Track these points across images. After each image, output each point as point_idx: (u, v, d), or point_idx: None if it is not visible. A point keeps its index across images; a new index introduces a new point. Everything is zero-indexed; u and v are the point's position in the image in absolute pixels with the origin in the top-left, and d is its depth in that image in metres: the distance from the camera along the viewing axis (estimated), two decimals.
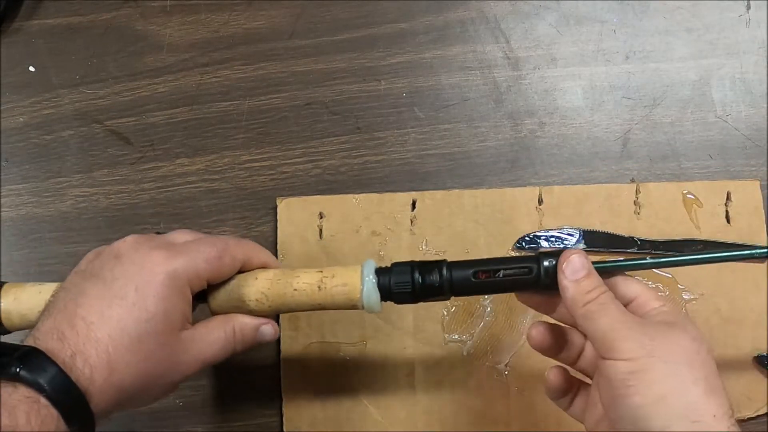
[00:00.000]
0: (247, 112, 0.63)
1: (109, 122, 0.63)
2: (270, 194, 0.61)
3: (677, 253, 0.46)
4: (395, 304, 0.46)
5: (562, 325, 0.46)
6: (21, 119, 0.63)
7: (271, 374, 0.57)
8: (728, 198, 0.60)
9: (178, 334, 0.42)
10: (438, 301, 0.46)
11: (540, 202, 0.60)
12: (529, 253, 0.44)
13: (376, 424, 0.56)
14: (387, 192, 0.60)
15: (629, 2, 0.65)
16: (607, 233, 0.59)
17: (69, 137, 0.63)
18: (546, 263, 0.43)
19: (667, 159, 0.62)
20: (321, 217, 0.60)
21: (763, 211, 0.60)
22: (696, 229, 0.59)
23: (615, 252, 0.59)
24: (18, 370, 0.37)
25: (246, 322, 0.45)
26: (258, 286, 0.45)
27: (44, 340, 0.39)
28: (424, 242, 0.59)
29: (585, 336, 0.44)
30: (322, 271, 0.45)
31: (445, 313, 0.58)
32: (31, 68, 0.64)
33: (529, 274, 0.44)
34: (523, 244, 0.59)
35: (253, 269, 0.46)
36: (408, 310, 0.57)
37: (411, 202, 0.60)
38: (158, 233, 0.46)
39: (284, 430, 0.56)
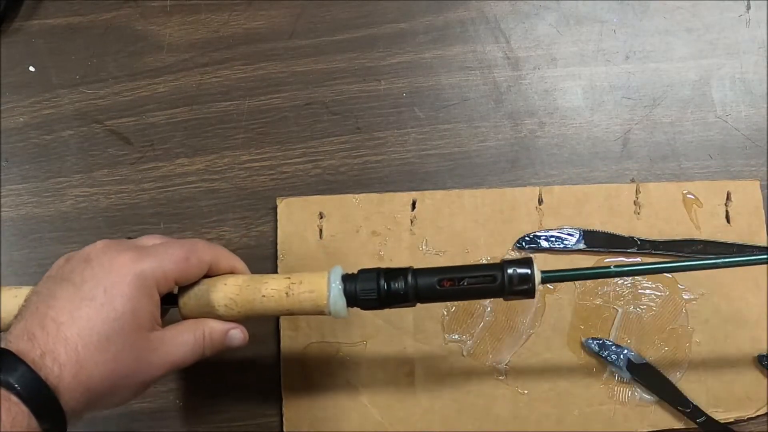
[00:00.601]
0: (247, 112, 0.63)
1: (109, 122, 0.63)
2: (270, 194, 0.61)
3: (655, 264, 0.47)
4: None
5: None
6: (21, 119, 0.63)
7: (271, 374, 0.57)
8: (728, 198, 0.60)
9: (146, 334, 0.43)
10: (404, 307, 0.46)
11: (540, 202, 0.60)
12: (495, 262, 0.45)
13: (376, 424, 0.56)
14: (387, 192, 0.60)
15: (629, 2, 0.65)
16: (607, 233, 0.59)
17: (69, 137, 0.63)
18: (510, 271, 0.44)
19: (667, 159, 0.62)
20: (321, 217, 0.60)
21: (763, 211, 0.60)
22: (696, 229, 0.59)
23: (615, 252, 0.59)
24: None
25: (215, 326, 0.46)
26: (227, 292, 0.46)
27: (15, 342, 0.40)
28: (424, 242, 0.59)
29: None
30: (290, 278, 0.46)
31: (445, 313, 0.58)
32: (31, 68, 0.64)
33: (493, 282, 0.45)
34: (523, 244, 0.59)
35: (221, 273, 0.47)
36: (408, 310, 0.57)
37: (411, 202, 0.60)
38: (128, 239, 0.48)
39: (284, 430, 0.56)
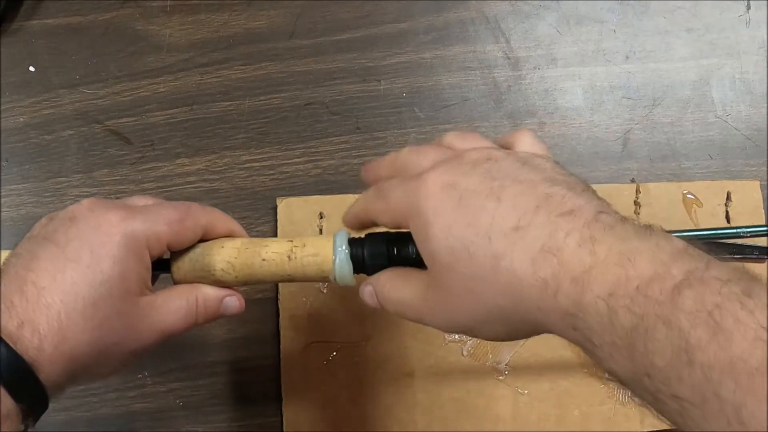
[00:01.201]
0: (247, 112, 0.63)
1: (109, 122, 0.63)
2: (270, 194, 0.61)
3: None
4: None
5: None
6: (21, 119, 0.63)
7: (271, 374, 0.57)
8: (728, 198, 0.60)
9: (135, 299, 0.40)
10: None
11: None
12: None
13: (376, 425, 0.56)
14: None
15: (629, 2, 0.65)
16: None
17: (69, 137, 0.63)
18: None
19: (667, 159, 0.62)
20: (321, 217, 0.60)
21: (763, 211, 0.60)
22: None
23: None
24: None
25: (209, 293, 0.43)
26: (224, 255, 0.43)
27: None
28: None
29: None
30: (292, 241, 0.43)
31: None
32: (31, 68, 0.64)
33: None
34: None
35: (218, 237, 0.44)
36: None
37: None
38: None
39: (284, 430, 0.56)
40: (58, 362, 0.37)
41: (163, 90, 0.63)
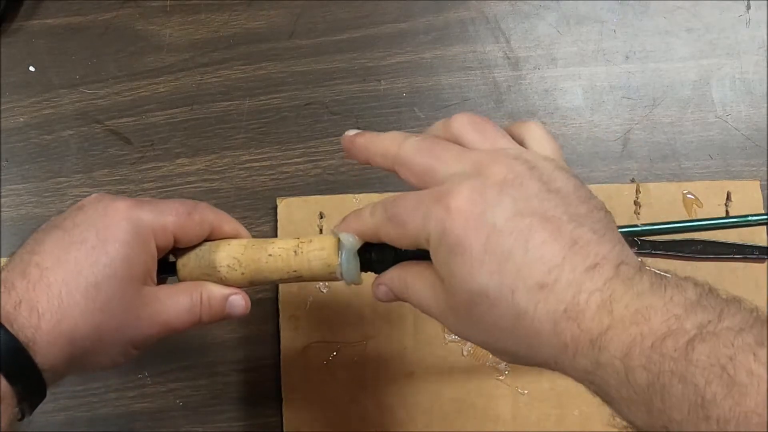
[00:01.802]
0: (247, 112, 0.63)
1: (109, 122, 0.63)
2: (270, 194, 0.61)
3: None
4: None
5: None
6: (21, 119, 0.63)
7: (271, 374, 0.57)
8: (728, 198, 0.60)
9: (139, 286, 0.39)
10: None
11: None
12: None
13: (376, 425, 0.56)
14: (387, 192, 0.60)
15: (629, 2, 0.65)
16: None
17: (69, 137, 0.63)
18: None
19: (667, 159, 0.62)
20: (321, 217, 0.60)
21: (763, 211, 0.60)
22: None
23: None
24: None
25: (215, 290, 0.42)
26: (231, 251, 0.43)
27: None
28: None
29: None
30: (299, 238, 0.43)
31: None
32: (31, 68, 0.64)
33: None
34: None
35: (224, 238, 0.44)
36: (408, 309, 0.57)
37: None
38: None
39: (284, 430, 0.56)
40: (57, 342, 0.36)
41: (163, 90, 0.63)
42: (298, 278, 0.43)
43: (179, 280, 0.43)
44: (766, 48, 0.64)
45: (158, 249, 0.41)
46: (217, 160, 0.62)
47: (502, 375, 0.57)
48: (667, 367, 0.29)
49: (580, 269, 0.32)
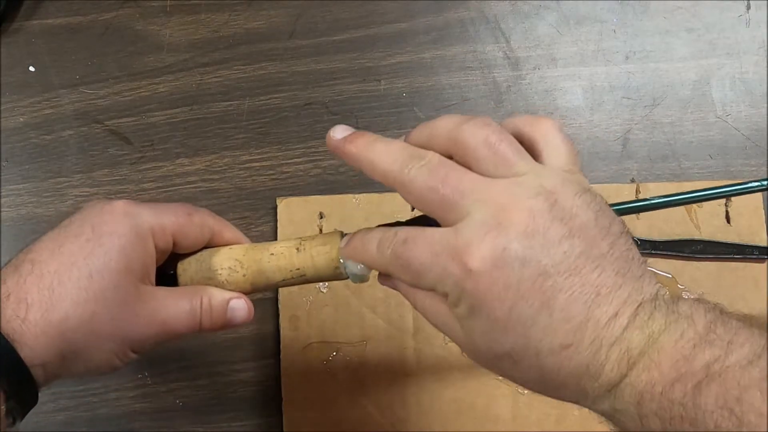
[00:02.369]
0: (247, 112, 0.63)
1: (109, 122, 0.63)
2: (270, 194, 0.61)
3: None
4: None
5: None
6: (21, 119, 0.63)
7: (271, 374, 0.57)
8: (728, 198, 0.60)
9: (135, 281, 0.38)
10: None
11: None
12: None
13: (376, 424, 0.56)
14: (387, 192, 0.60)
15: (629, 2, 0.65)
16: None
17: (69, 137, 0.63)
18: None
19: (667, 159, 0.62)
20: (321, 217, 0.60)
21: (763, 211, 0.60)
22: (696, 229, 0.59)
23: None
24: None
25: (216, 294, 0.41)
26: (232, 254, 0.42)
27: None
28: None
29: None
30: (300, 237, 0.42)
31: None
32: (31, 68, 0.64)
33: None
34: None
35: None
36: (408, 309, 0.57)
37: None
38: None
39: (284, 430, 0.56)
40: (47, 333, 0.35)
41: (163, 90, 0.63)
42: (302, 277, 0.41)
43: (179, 285, 0.42)
44: (766, 48, 0.64)
45: (157, 250, 0.40)
46: (217, 160, 0.62)
47: None
48: (677, 413, 0.29)
49: (602, 322, 0.32)
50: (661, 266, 0.59)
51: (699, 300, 0.33)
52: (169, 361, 0.58)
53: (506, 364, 0.34)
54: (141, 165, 0.62)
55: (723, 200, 0.60)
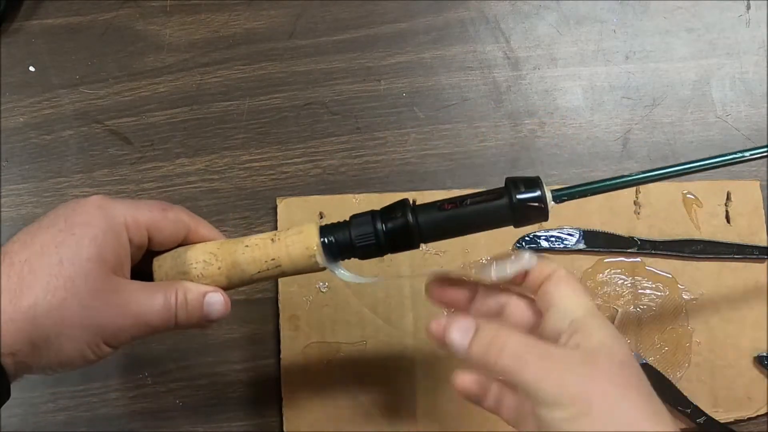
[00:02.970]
0: (247, 112, 0.63)
1: (109, 122, 0.63)
2: (270, 194, 0.61)
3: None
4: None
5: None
6: (21, 119, 0.63)
7: (271, 374, 0.57)
8: (728, 198, 0.60)
9: (108, 271, 0.37)
10: (407, 250, 0.41)
11: None
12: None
13: (376, 425, 0.56)
14: (387, 192, 0.60)
15: (629, 2, 0.65)
16: (607, 233, 0.59)
17: (69, 137, 0.63)
18: (516, 185, 0.40)
19: (667, 159, 0.62)
20: (321, 217, 0.60)
21: (763, 211, 0.60)
22: (696, 229, 0.59)
23: (615, 252, 0.59)
24: None
25: (191, 287, 0.40)
26: (207, 248, 0.41)
27: None
28: None
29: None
30: (275, 231, 0.42)
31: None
32: (31, 68, 0.64)
33: (500, 198, 0.40)
34: (523, 243, 0.59)
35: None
36: (408, 309, 0.57)
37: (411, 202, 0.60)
38: None
39: (284, 430, 0.56)
40: (16, 320, 0.35)
41: (163, 90, 0.63)
42: (278, 268, 0.41)
43: (155, 280, 0.42)
44: (766, 48, 0.64)
45: (132, 244, 0.40)
46: (217, 160, 0.62)
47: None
48: None
49: None
50: (661, 266, 0.59)
51: None
52: (169, 361, 0.58)
53: None
54: (141, 165, 0.62)
55: (723, 200, 0.60)
